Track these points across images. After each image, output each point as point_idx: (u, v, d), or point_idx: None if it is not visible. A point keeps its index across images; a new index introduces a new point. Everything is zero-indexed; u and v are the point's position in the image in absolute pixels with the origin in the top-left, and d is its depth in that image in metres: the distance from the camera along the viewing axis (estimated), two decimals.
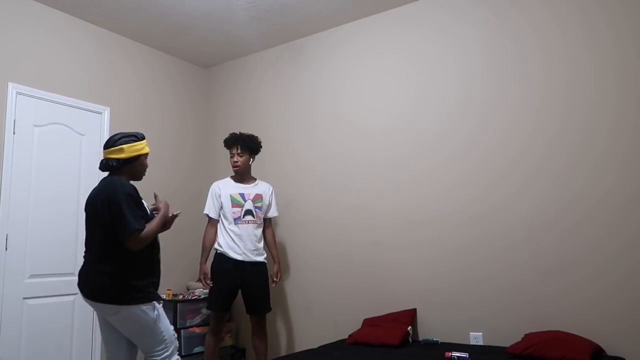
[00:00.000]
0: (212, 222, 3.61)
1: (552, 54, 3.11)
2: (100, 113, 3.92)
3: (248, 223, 3.52)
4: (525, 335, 2.87)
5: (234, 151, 3.57)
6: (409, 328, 3.24)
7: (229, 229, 3.50)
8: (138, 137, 2.53)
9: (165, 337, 2.43)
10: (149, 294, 2.40)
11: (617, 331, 2.74)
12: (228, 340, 4.17)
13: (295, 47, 4.33)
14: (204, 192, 4.72)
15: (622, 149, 2.85)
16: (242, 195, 3.57)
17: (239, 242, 3.47)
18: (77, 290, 3.23)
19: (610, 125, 2.89)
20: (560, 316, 2.90)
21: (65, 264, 3.55)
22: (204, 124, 4.86)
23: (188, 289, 4.27)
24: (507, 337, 2.94)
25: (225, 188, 3.59)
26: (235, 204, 3.54)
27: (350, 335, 3.31)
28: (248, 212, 3.55)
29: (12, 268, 3.27)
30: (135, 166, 2.53)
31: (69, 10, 3.73)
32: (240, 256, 3.45)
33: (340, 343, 3.32)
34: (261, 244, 3.61)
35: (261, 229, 3.64)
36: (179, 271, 4.35)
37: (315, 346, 3.30)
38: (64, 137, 3.66)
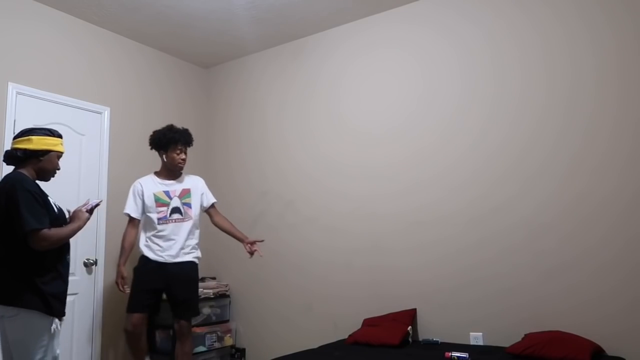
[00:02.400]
0: (134, 222, 3.40)
1: (554, 55, 3.11)
2: (100, 113, 3.92)
3: (175, 222, 3.38)
4: (525, 335, 2.87)
5: (182, 148, 3.43)
6: (409, 328, 3.24)
7: (153, 230, 3.34)
8: (53, 133, 2.38)
9: (47, 358, 2.20)
10: (52, 307, 2.21)
11: (618, 332, 2.74)
12: (228, 340, 4.17)
13: (295, 47, 4.33)
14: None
15: (624, 151, 2.84)
16: (166, 193, 3.41)
17: (162, 243, 3.32)
18: (77, 290, 3.22)
19: (612, 127, 2.88)
20: (560, 316, 2.90)
21: None
22: (204, 124, 4.86)
23: None
24: (507, 337, 2.94)
25: (148, 187, 3.40)
26: (160, 203, 3.38)
27: (350, 335, 3.31)
28: (175, 210, 3.41)
29: None
30: (44, 163, 2.33)
31: (69, 10, 3.73)
32: (162, 258, 3.30)
33: (340, 343, 3.32)
34: (193, 241, 3.46)
35: (195, 225, 3.49)
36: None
37: (315, 346, 3.30)
38: (64, 137, 3.64)
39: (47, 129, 2.39)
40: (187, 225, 3.44)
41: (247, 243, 3.50)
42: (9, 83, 3.36)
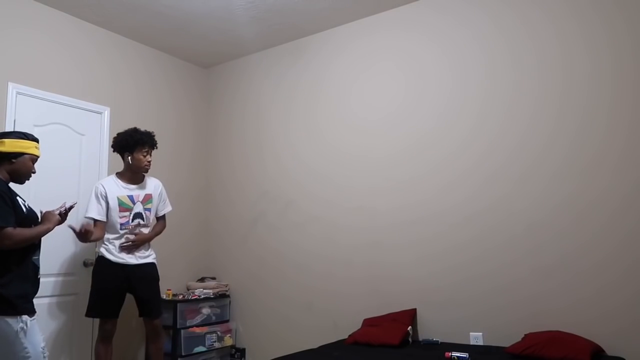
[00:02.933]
0: (100, 225, 3.25)
1: (546, 54, 3.12)
2: (100, 113, 3.92)
3: (136, 227, 3.34)
4: (525, 335, 2.87)
5: (148, 150, 3.38)
6: (409, 328, 3.24)
7: (113, 233, 3.28)
8: (27, 137, 2.42)
9: (29, 354, 2.22)
10: (16, 307, 2.21)
11: (617, 330, 2.74)
12: (228, 340, 4.17)
13: (295, 46, 4.33)
14: (205, 192, 4.74)
15: (618, 147, 2.85)
16: (130, 197, 3.35)
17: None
18: (76, 290, 3.21)
19: (605, 124, 2.90)
20: (559, 315, 2.91)
21: (65, 263, 3.55)
22: (204, 124, 4.86)
23: (188, 289, 4.27)
24: (507, 337, 2.94)
25: (112, 190, 3.31)
26: (123, 207, 3.31)
27: (350, 335, 3.31)
28: (137, 216, 3.36)
29: None
30: (17, 165, 2.38)
31: (69, 11, 3.73)
32: (122, 259, 3.26)
33: (340, 343, 3.32)
34: (148, 245, 3.44)
35: (149, 230, 3.46)
36: (178, 271, 4.35)
37: (315, 346, 3.30)
38: (64, 137, 3.66)
39: (22, 133, 2.42)
40: (146, 230, 3.42)
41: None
42: (9, 83, 3.36)
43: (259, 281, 4.26)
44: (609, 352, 2.72)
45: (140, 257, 3.36)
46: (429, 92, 3.56)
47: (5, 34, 3.39)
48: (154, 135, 3.46)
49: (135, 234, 3.35)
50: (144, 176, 3.49)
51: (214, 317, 4.15)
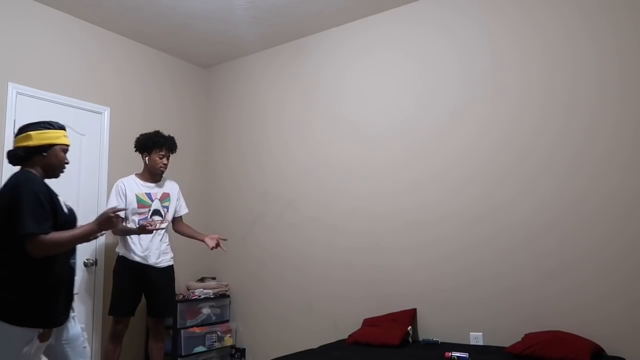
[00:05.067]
0: (120, 222, 3.33)
1: (554, 54, 3.11)
2: (100, 113, 3.92)
3: (156, 223, 3.35)
4: (525, 335, 2.87)
5: (164, 153, 3.47)
6: (409, 328, 3.24)
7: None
8: (53, 126, 2.20)
9: None
10: (30, 316, 1.96)
11: (618, 332, 2.74)
12: (228, 340, 4.17)
13: (295, 47, 4.33)
14: (205, 192, 4.74)
15: (624, 151, 2.83)
16: (149, 195, 3.45)
17: (141, 243, 3.34)
18: (76, 290, 3.20)
19: (612, 127, 2.88)
20: (560, 317, 2.90)
21: None
22: (204, 124, 4.86)
23: (188, 289, 4.27)
24: (507, 337, 2.94)
25: (131, 187, 3.42)
26: (141, 204, 3.41)
27: (350, 335, 3.31)
28: (156, 212, 3.45)
29: None
30: (49, 158, 2.16)
31: (69, 10, 3.74)
32: (141, 259, 3.33)
33: (340, 343, 3.31)
34: (167, 244, 3.51)
35: (168, 228, 3.54)
36: (178, 271, 4.34)
37: (315, 346, 3.30)
38: None
39: (46, 122, 2.20)
40: (164, 227, 3.44)
41: (210, 238, 3.56)
42: (9, 83, 3.36)
43: (259, 281, 4.26)
44: (608, 349, 2.72)
45: (163, 255, 3.44)
46: (435, 95, 3.55)
47: (6, 34, 3.39)
48: (174, 140, 3.55)
49: (212, 241, 3.51)
50: (162, 177, 3.60)
51: (214, 317, 4.15)
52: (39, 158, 2.15)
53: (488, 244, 3.19)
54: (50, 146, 2.16)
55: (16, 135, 2.18)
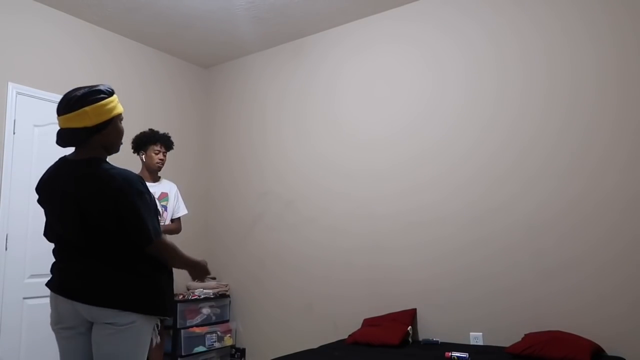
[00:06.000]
0: None
1: (555, 55, 3.11)
2: None
3: None
4: (525, 335, 2.87)
5: (160, 149, 3.47)
6: (409, 328, 3.24)
7: None
8: (105, 93, 1.77)
9: None
10: (166, 305, 1.86)
11: (618, 332, 2.74)
12: (228, 340, 4.17)
13: (295, 46, 4.33)
14: (205, 192, 4.74)
15: (624, 151, 2.84)
16: None
17: None
18: None
19: (612, 127, 2.88)
20: (560, 317, 2.90)
21: None
22: (204, 124, 4.86)
23: (188, 289, 4.27)
24: (507, 337, 2.94)
25: None
26: None
27: (350, 335, 3.31)
28: None
29: (12, 268, 3.28)
30: (109, 135, 1.80)
31: (69, 10, 3.74)
32: None
33: (340, 343, 3.32)
34: None
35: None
36: (178, 271, 4.33)
37: (315, 346, 3.30)
38: None
39: (97, 90, 1.76)
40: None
41: None
42: (9, 83, 3.36)
43: (259, 281, 4.26)
44: (608, 349, 2.72)
45: None
46: (437, 96, 3.55)
47: (5, 34, 3.39)
48: (169, 137, 3.55)
49: None
50: (160, 177, 3.60)
51: (214, 317, 4.15)
52: (99, 138, 1.77)
53: (488, 244, 3.19)
54: (110, 121, 1.78)
55: (65, 111, 1.72)
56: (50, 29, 3.66)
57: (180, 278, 4.34)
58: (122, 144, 1.92)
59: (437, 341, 3.19)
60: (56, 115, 1.76)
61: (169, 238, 3.55)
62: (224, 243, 4.57)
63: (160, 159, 3.49)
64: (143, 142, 3.47)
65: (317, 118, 4.11)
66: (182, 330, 3.87)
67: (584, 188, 2.93)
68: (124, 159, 3.98)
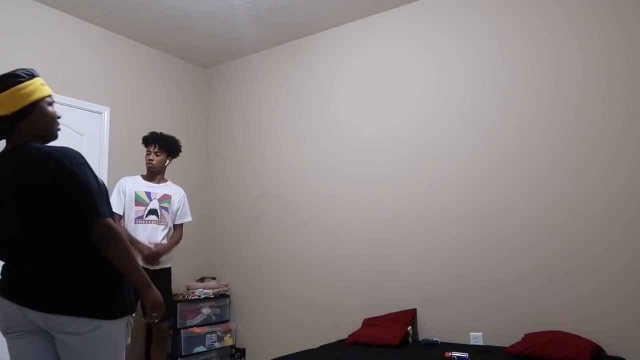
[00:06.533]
0: (117, 218, 3.33)
1: (564, 53, 3.07)
2: (100, 113, 3.92)
3: (150, 223, 3.39)
4: (525, 335, 2.87)
5: (152, 149, 3.50)
6: (409, 328, 3.24)
7: (129, 230, 3.33)
8: (21, 76, 1.65)
9: None
10: (132, 302, 1.72)
11: (616, 328, 2.74)
12: (228, 340, 4.17)
13: (295, 46, 4.32)
14: (205, 192, 4.74)
15: (636, 151, 2.79)
16: (148, 193, 3.45)
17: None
18: None
19: (622, 128, 2.84)
20: (560, 317, 2.90)
21: None
22: (204, 124, 4.86)
23: (188, 289, 4.27)
24: (507, 337, 2.94)
25: (131, 185, 3.45)
26: (139, 202, 3.41)
27: (350, 335, 3.31)
28: (152, 212, 3.42)
29: None
30: (36, 121, 1.68)
31: (69, 10, 3.73)
32: (141, 263, 3.22)
33: (340, 343, 3.32)
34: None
35: (166, 231, 3.48)
36: (178, 271, 4.34)
37: (315, 346, 3.30)
38: (64, 137, 3.56)
39: (12, 75, 1.66)
40: (162, 229, 3.46)
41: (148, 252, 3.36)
42: None
43: (259, 281, 4.26)
44: (608, 349, 2.72)
45: (161, 260, 3.42)
46: (441, 97, 3.54)
47: (5, 34, 3.39)
48: (163, 136, 3.55)
49: (155, 246, 3.39)
50: (166, 179, 3.64)
51: (214, 317, 4.15)
52: (26, 125, 1.66)
53: (488, 244, 3.19)
54: (32, 105, 1.67)
55: None
56: (50, 29, 3.65)
57: (180, 278, 4.35)
58: (59, 129, 1.79)
59: (437, 341, 3.19)
60: None
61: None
62: (224, 243, 4.57)
63: (149, 159, 3.50)
64: (143, 143, 3.56)
65: (317, 118, 4.10)
66: (182, 330, 3.87)
67: (593, 190, 2.89)
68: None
